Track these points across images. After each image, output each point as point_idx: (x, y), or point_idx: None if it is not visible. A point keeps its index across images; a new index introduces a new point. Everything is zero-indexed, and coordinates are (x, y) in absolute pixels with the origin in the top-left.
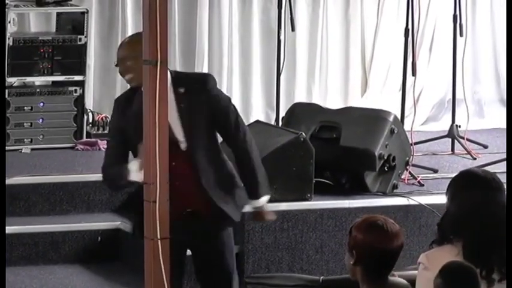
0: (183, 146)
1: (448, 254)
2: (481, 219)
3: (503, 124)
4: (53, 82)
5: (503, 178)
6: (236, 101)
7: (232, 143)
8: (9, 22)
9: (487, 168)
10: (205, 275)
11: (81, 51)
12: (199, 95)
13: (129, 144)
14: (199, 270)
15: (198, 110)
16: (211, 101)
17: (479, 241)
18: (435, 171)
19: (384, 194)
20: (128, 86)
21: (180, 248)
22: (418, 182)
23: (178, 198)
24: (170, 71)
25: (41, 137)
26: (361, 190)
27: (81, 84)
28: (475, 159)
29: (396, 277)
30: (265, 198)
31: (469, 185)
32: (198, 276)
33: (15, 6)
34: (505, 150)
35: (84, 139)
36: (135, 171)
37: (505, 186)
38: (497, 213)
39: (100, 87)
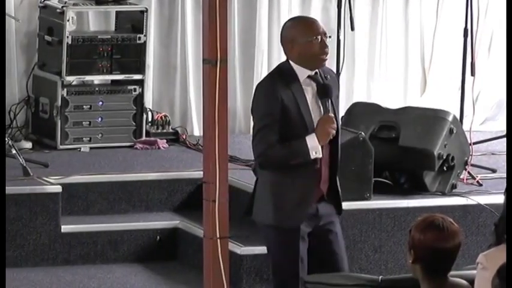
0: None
1: (506, 254)
2: None
3: None
4: (112, 81)
5: None
6: None
7: None
8: (68, 21)
9: None
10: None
11: (140, 50)
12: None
13: (289, 124)
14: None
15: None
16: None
17: None
18: (494, 171)
19: (443, 194)
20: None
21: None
22: (477, 181)
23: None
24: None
25: (100, 135)
26: (420, 190)
27: (141, 83)
28: None
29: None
30: None
31: None
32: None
33: (74, 4)
34: None
35: (144, 138)
36: (316, 147)
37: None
38: None
39: (159, 86)
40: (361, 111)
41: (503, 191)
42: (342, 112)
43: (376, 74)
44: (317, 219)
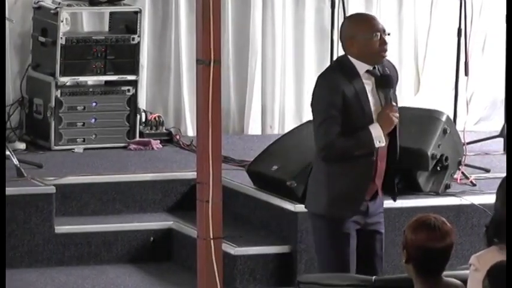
0: None
1: (498, 255)
2: None
3: None
4: (106, 82)
5: None
6: (289, 101)
7: None
8: (62, 21)
9: None
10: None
11: (134, 50)
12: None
13: (351, 117)
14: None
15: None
16: None
17: None
18: (487, 171)
19: (437, 194)
20: None
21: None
22: (471, 181)
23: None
24: None
25: (94, 136)
26: (414, 190)
27: (134, 83)
28: None
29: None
30: None
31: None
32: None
33: (68, 5)
34: None
35: (137, 139)
36: (380, 136)
37: (506, 186)
38: None
39: (153, 87)
40: None
41: (495, 191)
42: None
43: None
44: (366, 217)
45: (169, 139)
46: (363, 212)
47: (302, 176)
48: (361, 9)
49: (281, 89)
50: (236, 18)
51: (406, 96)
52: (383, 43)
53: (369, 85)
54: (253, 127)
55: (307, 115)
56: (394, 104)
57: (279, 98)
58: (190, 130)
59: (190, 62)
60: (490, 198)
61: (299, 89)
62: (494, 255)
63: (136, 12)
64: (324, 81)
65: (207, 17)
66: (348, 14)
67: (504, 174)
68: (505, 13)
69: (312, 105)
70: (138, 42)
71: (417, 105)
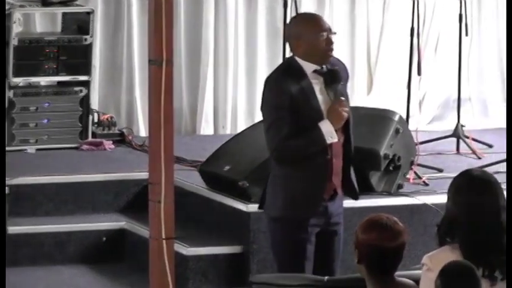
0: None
1: (450, 254)
2: (473, 222)
3: None
4: (59, 82)
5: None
6: (241, 100)
7: None
8: (15, 22)
9: (491, 167)
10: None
11: (87, 51)
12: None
13: (300, 117)
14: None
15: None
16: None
17: (473, 243)
18: (440, 170)
19: (389, 194)
20: None
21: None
22: (423, 181)
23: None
24: None
25: (46, 137)
26: (366, 190)
27: (87, 84)
28: (480, 158)
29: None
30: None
31: (464, 187)
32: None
33: (21, 6)
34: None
35: (90, 139)
36: (331, 132)
37: (505, 186)
38: (490, 216)
39: (105, 88)
40: None
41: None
42: None
43: None
44: (326, 218)
45: (121, 139)
46: (321, 212)
47: (254, 176)
48: (313, 9)
49: (233, 89)
50: (188, 18)
51: (358, 96)
52: (329, 42)
53: (317, 84)
54: (206, 127)
55: (260, 115)
56: (343, 98)
57: (231, 98)
58: (143, 130)
59: (143, 62)
60: (443, 198)
61: (251, 89)
62: (446, 255)
63: (88, 13)
64: (270, 84)
65: (159, 18)
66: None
67: (453, 175)
68: (505, 13)
69: (261, 108)
70: (91, 43)
71: (370, 105)
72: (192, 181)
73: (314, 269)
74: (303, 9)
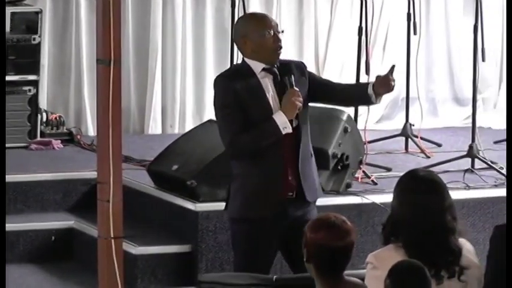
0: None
1: (394, 253)
2: (417, 222)
3: (456, 123)
4: (7, 82)
5: (455, 176)
6: (189, 100)
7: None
8: None
9: (440, 166)
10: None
11: (35, 50)
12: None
13: (249, 114)
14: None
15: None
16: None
17: (417, 242)
18: (389, 169)
19: (338, 193)
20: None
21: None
22: (372, 180)
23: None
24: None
25: None
26: None
27: (35, 83)
28: (428, 157)
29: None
30: None
31: (409, 187)
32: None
33: None
34: (458, 148)
35: (38, 139)
36: (285, 123)
37: (505, 186)
38: (434, 216)
39: (54, 87)
40: None
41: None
42: None
43: None
44: (287, 220)
45: (70, 139)
46: (281, 214)
47: (202, 176)
48: (261, 9)
49: (181, 88)
50: (136, 17)
51: None
52: (276, 40)
53: (266, 81)
54: (154, 126)
55: (208, 114)
56: (296, 88)
57: (179, 97)
58: (91, 130)
59: (91, 62)
60: (391, 197)
61: (199, 88)
62: (391, 254)
63: (37, 13)
64: (216, 84)
65: (107, 17)
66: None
67: (403, 173)
68: (506, 13)
69: (214, 108)
70: (39, 42)
71: (317, 105)
72: (141, 180)
73: (294, 270)
74: (251, 9)
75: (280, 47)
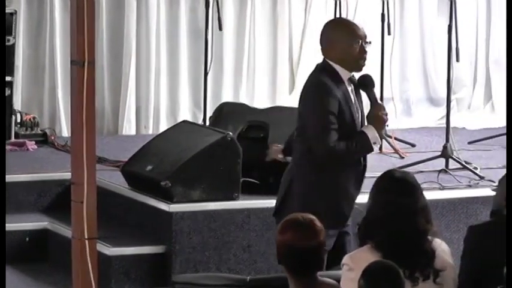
0: None
1: (370, 255)
2: (391, 223)
3: (430, 123)
4: None
5: (430, 177)
6: (163, 101)
7: None
8: None
9: (414, 167)
10: None
11: (10, 52)
12: None
13: (343, 123)
14: None
15: None
16: None
17: (391, 244)
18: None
19: None
20: None
21: None
22: None
23: None
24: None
25: None
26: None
27: (10, 84)
28: (403, 158)
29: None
30: None
31: (384, 188)
32: None
33: None
34: (432, 148)
35: (13, 140)
36: (376, 137)
37: (505, 186)
38: (408, 218)
39: (28, 88)
40: (229, 111)
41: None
42: (209, 112)
43: (244, 73)
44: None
45: (44, 140)
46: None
47: (176, 176)
48: (235, 9)
49: (155, 89)
50: (110, 18)
51: (280, 95)
52: (363, 51)
53: (351, 91)
54: (128, 127)
55: (182, 115)
56: (380, 102)
57: (153, 98)
58: (65, 131)
59: (65, 63)
60: (365, 198)
61: (173, 89)
62: (366, 255)
63: (11, 14)
64: (317, 87)
65: (81, 18)
66: (221, 14)
67: (379, 174)
68: (506, 13)
69: (303, 112)
70: (14, 44)
71: (292, 105)
72: (115, 181)
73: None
74: (224, 9)
75: (365, 59)
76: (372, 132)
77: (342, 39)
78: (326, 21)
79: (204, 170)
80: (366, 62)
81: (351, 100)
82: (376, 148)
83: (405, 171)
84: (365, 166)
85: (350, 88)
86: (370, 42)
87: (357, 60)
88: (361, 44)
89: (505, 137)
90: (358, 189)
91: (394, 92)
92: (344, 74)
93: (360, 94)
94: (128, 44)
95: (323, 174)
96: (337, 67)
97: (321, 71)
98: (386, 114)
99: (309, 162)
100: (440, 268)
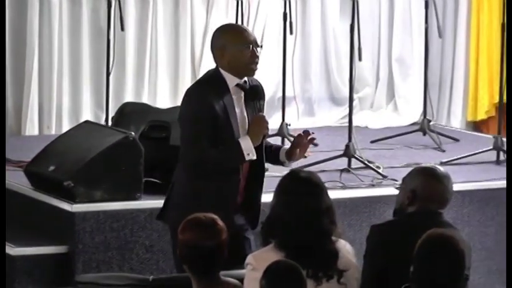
0: None
1: (274, 254)
2: (293, 222)
3: (332, 122)
4: None
5: (332, 176)
6: (65, 101)
7: None
8: None
9: (316, 166)
10: None
11: None
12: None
13: (218, 132)
14: None
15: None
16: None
17: (293, 243)
18: (265, 169)
19: None
20: None
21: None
22: None
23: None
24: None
25: None
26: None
27: None
28: (305, 157)
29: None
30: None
31: (287, 187)
32: None
33: None
34: (334, 148)
35: None
36: (251, 149)
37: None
38: (311, 217)
39: None
40: (131, 111)
41: (273, 189)
42: (111, 112)
43: (147, 74)
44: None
45: None
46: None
47: (79, 176)
48: (137, 9)
49: (58, 88)
50: (12, 17)
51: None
52: (254, 56)
53: (237, 99)
54: (31, 127)
55: (84, 115)
56: (263, 114)
57: (55, 98)
58: None
59: None
60: (266, 197)
61: (76, 88)
62: (270, 255)
63: None
64: (192, 95)
65: None
66: (124, 14)
67: (282, 174)
68: (506, 13)
69: (179, 119)
70: None
71: None
72: (18, 182)
73: None
74: (127, 9)
75: (257, 63)
76: (246, 143)
77: (231, 45)
78: (215, 28)
79: (106, 170)
80: (266, 63)
81: (233, 108)
82: (252, 157)
83: (310, 171)
84: (239, 180)
85: (236, 96)
86: (261, 47)
87: (248, 65)
88: (252, 48)
89: (407, 135)
90: (233, 200)
91: (296, 92)
92: (232, 81)
93: (255, 101)
94: (31, 43)
95: (199, 181)
96: (227, 74)
97: (202, 78)
98: (267, 127)
99: (184, 168)
100: (344, 268)
